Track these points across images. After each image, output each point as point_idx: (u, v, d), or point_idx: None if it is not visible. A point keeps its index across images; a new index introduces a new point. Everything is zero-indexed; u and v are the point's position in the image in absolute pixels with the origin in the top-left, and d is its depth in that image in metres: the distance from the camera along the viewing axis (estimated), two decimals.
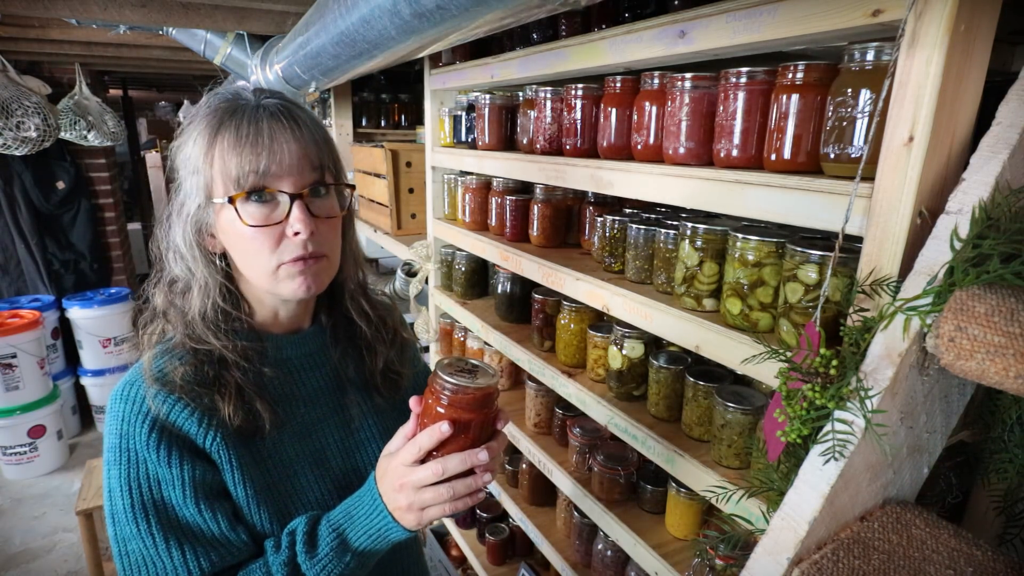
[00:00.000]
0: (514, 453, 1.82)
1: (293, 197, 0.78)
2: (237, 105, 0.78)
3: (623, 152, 1.17)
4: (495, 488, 1.86)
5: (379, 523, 0.77)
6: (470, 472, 0.75)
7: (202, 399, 0.79)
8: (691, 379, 1.10)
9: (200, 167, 0.78)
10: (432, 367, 0.91)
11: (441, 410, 0.74)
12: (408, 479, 0.74)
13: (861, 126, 0.75)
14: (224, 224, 0.80)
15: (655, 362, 1.19)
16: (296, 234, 0.78)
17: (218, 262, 0.84)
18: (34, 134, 2.78)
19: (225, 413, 0.78)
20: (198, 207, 0.79)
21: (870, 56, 0.74)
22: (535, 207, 1.51)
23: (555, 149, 1.34)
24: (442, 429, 0.73)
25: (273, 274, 0.80)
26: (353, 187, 0.89)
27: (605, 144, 1.19)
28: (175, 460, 0.76)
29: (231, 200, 0.76)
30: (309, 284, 0.82)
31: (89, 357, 3.89)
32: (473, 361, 0.79)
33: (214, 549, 0.77)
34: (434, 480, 0.74)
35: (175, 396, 0.77)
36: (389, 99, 3.22)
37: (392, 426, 0.95)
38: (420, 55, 1.43)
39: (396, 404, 1.00)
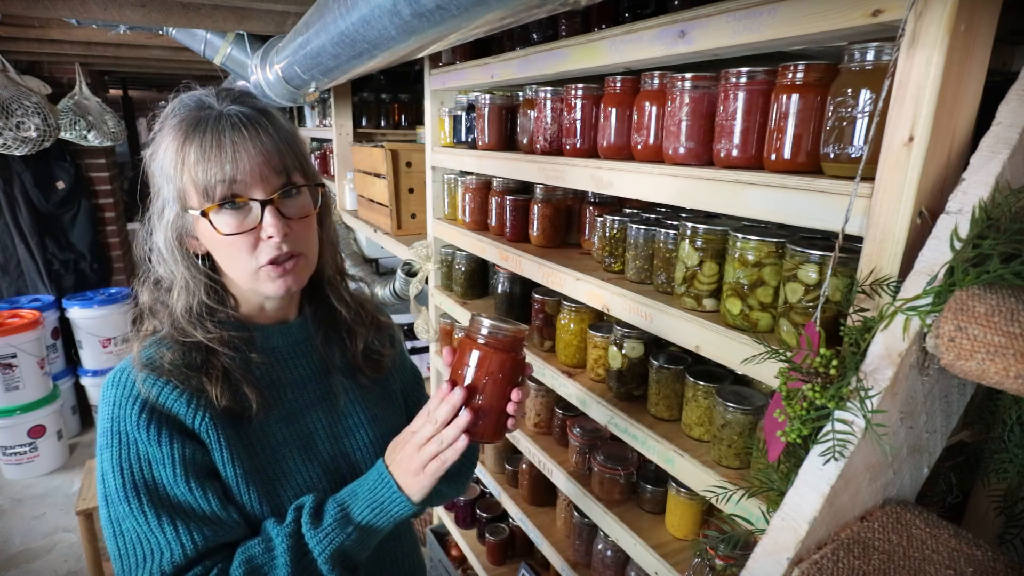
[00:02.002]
0: (514, 453, 1.82)
1: (264, 203, 0.80)
2: (200, 116, 0.80)
3: (623, 152, 1.17)
4: (495, 488, 1.86)
5: (383, 494, 0.80)
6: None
7: (190, 381, 0.81)
8: (691, 379, 1.10)
9: (172, 176, 0.81)
10: (418, 366, 0.96)
11: (477, 351, 0.82)
12: (413, 441, 0.81)
13: (861, 126, 0.75)
14: (203, 230, 0.83)
15: (655, 362, 1.19)
16: (270, 238, 0.81)
17: (201, 263, 0.87)
18: (34, 134, 2.78)
19: (212, 395, 0.81)
20: (176, 215, 0.82)
21: (870, 56, 0.74)
22: (535, 207, 1.51)
23: (555, 149, 1.34)
24: (455, 396, 0.80)
25: (254, 275, 0.84)
26: (323, 185, 0.91)
27: (605, 144, 1.19)
28: (165, 439, 0.78)
29: (204, 213, 0.79)
30: (289, 284, 0.85)
31: (89, 357, 3.90)
32: (501, 318, 0.86)
33: (207, 525, 0.78)
34: (432, 433, 0.80)
35: (164, 379, 0.80)
36: (389, 99, 3.22)
37: (379, 413, 1.00)
38: (420, 55, 1.43)
39: (381, 384, 1.03)
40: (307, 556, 0.78)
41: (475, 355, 0.82)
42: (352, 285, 1.07)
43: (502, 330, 0.82)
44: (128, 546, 0.77)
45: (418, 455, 0.80)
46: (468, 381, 0.82)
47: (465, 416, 0.80)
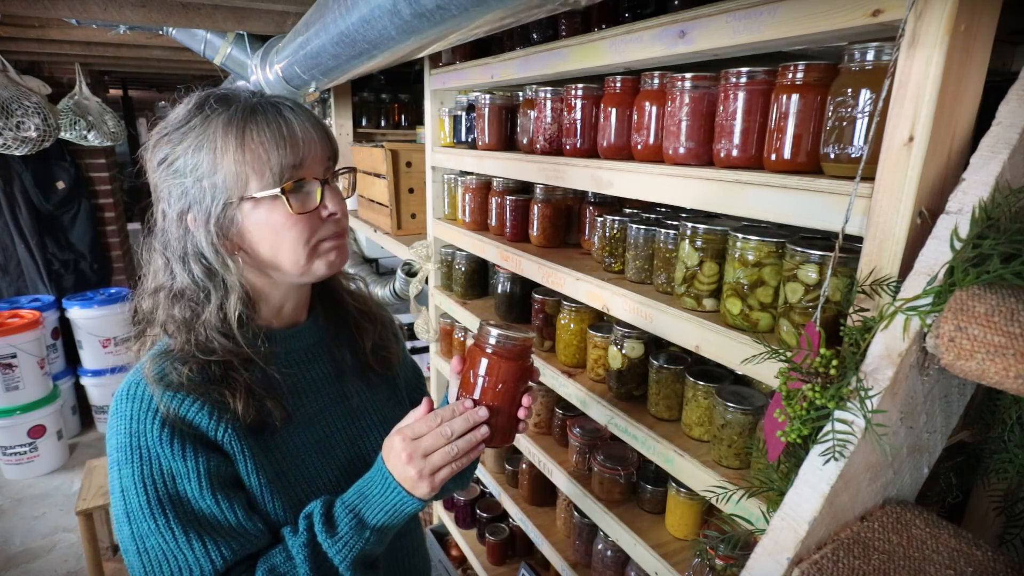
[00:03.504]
0: (514, 453, 1.82)
1: (323, 183, 0.85)
2: (254, 103, 0.81)
3: (623, 152, 1.17)
4: (495, 488, 1.86)
5: (393, 499, 0.79)
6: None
7: (211, 394, 0.80)
8: (691, 379, 1.10)
9: (223, 166, 0.78)
10: (427, 351, 0.94)
11: (487, 360, 0.83)
12: (414, 448, 0.79)
13: (861, 126, 0.75)
14: (256, 219, 0.81)
15: (655, 362, 1.19)
16: (332, 215, 0.85)
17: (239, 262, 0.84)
18: (34, 134, 2.77)
19: (235, 409, 0.80)
20: (224, 207, 0.79)
21: (870, 56, 0.74)
22: (535, 207, 1.51)
23: (555, 149, 1.34)
24: (479, 414, 0.81)
25: (310, 256, 0.85)
26: (354, 169, 0.97)
27: (605, 144, 1.19)
28: (189, 453, 0.77)
29: (283, 191, 0.80)
30: (344, 259, 0.90)
31: (89, 357, 3.89)
32: (506, 325, 0.88)
33: (233, 539, 0.78)
34: (442, 444, 0.79)
35: (183, 393, 0.78)
36: (389, 99, 3.22)
37: (389, 414, 1.00)
38: (420, 55, 1.43)
39: (389, 381, 1.05)
40: (327, 563, 0.78)
41: (484, 363, 0.83)
42: (352, 286, 1.07)
43: (511, 339, 0.84)
44: (155, 563, 0.76)
45: (425, 462, 0.78)
46: (479, 389, 0.83)
47: (485, 430, 0.81)
